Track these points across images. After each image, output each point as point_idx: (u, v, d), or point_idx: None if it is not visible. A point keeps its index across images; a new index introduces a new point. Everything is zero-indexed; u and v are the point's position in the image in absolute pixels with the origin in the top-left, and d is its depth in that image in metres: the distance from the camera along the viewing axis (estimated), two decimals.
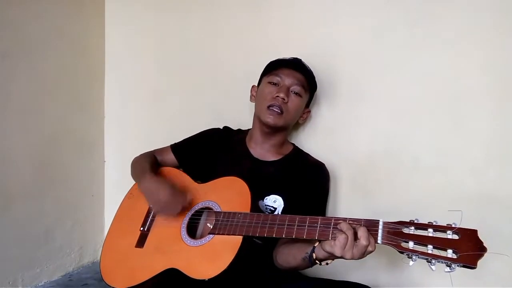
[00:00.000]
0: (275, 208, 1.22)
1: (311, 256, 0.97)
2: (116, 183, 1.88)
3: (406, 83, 1.36)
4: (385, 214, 1.35)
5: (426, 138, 1.34)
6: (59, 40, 1.65)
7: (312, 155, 1.35)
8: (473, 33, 1.28)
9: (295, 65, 1.27)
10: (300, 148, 1.39)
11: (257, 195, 1.16)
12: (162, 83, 1.80)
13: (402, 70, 1.37)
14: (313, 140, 1.48)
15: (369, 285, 0.99)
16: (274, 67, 1.29)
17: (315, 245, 0.97)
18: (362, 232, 0.87)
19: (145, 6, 1.81)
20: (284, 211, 1.21)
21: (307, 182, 1.25)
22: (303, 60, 1.31)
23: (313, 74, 1.31)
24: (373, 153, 1.41)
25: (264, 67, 1.34)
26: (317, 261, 0.97)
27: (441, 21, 1.31)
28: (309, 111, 1.39)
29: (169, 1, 1.76)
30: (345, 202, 1.45)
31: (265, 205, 1.22)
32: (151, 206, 1.18)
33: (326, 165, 1.32)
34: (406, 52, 1.36)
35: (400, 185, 1.37)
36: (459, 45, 1.29)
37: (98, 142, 1.89)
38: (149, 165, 1.26)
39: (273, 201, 1.22)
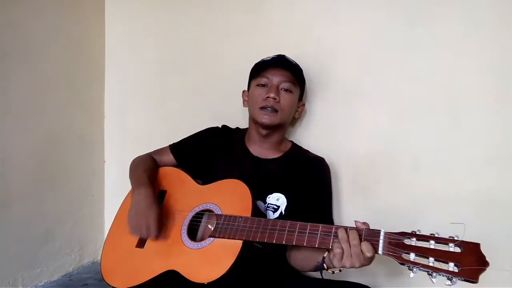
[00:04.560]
0: (278, 206, 1.21)
1: (322, 265, 0.97)
2: (116, 183, 1.88)
3: (406, 83, 1.36)
4: (385, 214, 1.37)
5: (426, 138, 1.34)
6: (59, 40, 1.65)
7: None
8: (473, 33, 1.28)
9: (280, 62, 1.26)
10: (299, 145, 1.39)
11: (260, 193, 1.16)
12: (162, 83, 1.80)
13: (402, 70, 1.37)
14: (312, 140, 1.47)
15: (369, 286, 0.99)
16: (260, 69, 1.28)
17: (325, 255, 0.96)
18: (351, 238, 0.88)
19: (145, 6, 1.81)
20: (287, 208, 1.21)
21: (308, 178, 1.25)
22: (286, 55, 1.31)
23: (299, 68, 1.30)
24: (372, 152, 1.41)
25: None
26: (329, 270, 0.96)
27: (441, 21, 1.31)
28: (304, 105, 1.38)
29: (169, 0, 1.76)
30: (345, 202, 1.45)
31: (268, 203, 1.21)
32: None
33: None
34: (406, 52, 1.36)
35: (400, 185, 1.37)
36: (458, 45, 1.29)
37: (98, 142, 1.89)
38: (148, 174, 1.24)
39: (276, 199, 1.21)
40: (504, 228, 1.24)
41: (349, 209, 1.44)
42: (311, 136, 1.49)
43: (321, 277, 1.02)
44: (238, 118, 1.50)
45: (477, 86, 1.27)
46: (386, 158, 1.39)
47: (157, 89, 1.81)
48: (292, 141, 1.39)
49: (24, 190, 1.54)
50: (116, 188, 1.85)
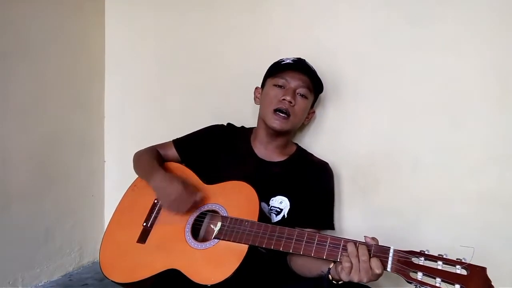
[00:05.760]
0: (281, 209, 1.21)
1: (327, 276, 0.95)
2: (116, 183, 1.87)
3: (407, 83, 1.36)
4: (385, 214, 1.37)
5: (427, 138, 1.34)
6: (59, 40, 1.65)
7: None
8: (473, 33, 1.28)
9: (300, 66, 1.24)
10: (303, 147, 1.38)
11: (263, 196, 1.15)
12: (162, 83, 1.80)
13: (403, 70, 1.37)
14: (314, 141, 1.48)
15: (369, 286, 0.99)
16: (278, 69, 1.25)
17: (330, 267, 0.95)
18: (361, 254, 0.88)
19: (145, 6, 1.81)
20: (290, 212, 1.21)
21: (312, 183, 1.24)
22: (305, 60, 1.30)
23: (317, 75, 1.29)
24: (373, 153, 1.41)
25: (264, 66, 1.32)
26: (334, 281, 0.95)
27: (441, 21, 1.31)
28: (314, 112, 1.38)
29: (169, 0, 1.76)
30: (345, 202, 1.45)
31: (271, 206, 1.21)
32: (160, 202, 1.15)
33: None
34: (406, 52, 1.36)
35: (401, 185, 1.38)
36: (459, 45, 1.30)
37: (98, 142, 1.89)
38: (157, 161, 1.24)
39: (279, 202, 1.21)
40: (504, 228, 1.25)
41: (349, 209, 1.44)
42: (311, 135, 1.49)
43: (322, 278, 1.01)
44: (239, 118, 1.50)
45: (477, 86, 1.28)
46: (386, 158, 1.39)
47: (157, 89, 1.81)
48: (296, 144, 1.38)
49: (24, 190, 1.53)
50: (116, 188, 1.84)
